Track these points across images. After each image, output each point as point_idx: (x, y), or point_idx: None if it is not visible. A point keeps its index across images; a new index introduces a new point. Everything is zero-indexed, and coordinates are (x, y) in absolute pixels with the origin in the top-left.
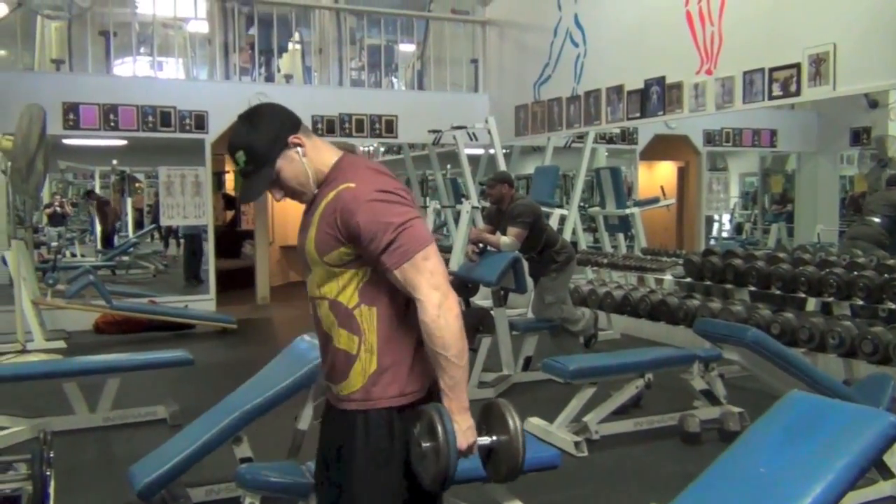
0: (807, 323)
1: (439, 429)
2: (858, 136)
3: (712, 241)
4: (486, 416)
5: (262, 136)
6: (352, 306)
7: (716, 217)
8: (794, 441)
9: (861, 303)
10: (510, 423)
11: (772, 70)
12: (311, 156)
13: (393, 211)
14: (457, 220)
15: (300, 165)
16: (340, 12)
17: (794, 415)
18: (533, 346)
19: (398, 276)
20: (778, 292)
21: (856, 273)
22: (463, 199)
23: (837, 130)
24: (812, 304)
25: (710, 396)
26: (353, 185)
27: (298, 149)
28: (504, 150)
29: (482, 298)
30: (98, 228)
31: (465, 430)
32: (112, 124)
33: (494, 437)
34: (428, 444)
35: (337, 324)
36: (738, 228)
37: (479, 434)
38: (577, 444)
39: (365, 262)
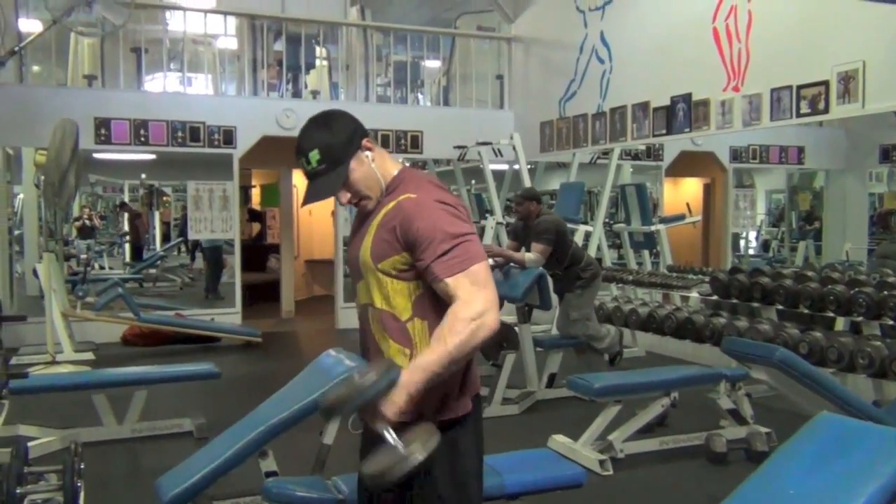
0: (836, 342)
1: (375, 374)
2: (888, 154)
3: (736, 259)
4: (415, 428)
5: (338, 135)
6: (404, 319)
7: (741, 234)
8: (824, 463)
9: (891, 322)
10: (416, 448)
11: (800, 87)
12: (378, 162)
13: (453, 222)
14: (481, 236)
15: (370, 170)
16: (367, 29)
17: (824, 436)
18: (557, 362)
19: (449, 285)
20: (806, 311)
21: (886, 292)
22: (487, 215)
23: (866, 148)
24: (841, 323)
25: (736, 416)
26: (414, 195)
27: (368, 153)
28: (529, 166)
29: (506, 314)
30: (127, 241)
31: (393, 402)
32: (142, 139)
33: (400, 445)
34: (356, 374)
35: (387, 336)
36: (764, 246)
37: (395, 430)
38: (601, 462)
39: (418, 273)
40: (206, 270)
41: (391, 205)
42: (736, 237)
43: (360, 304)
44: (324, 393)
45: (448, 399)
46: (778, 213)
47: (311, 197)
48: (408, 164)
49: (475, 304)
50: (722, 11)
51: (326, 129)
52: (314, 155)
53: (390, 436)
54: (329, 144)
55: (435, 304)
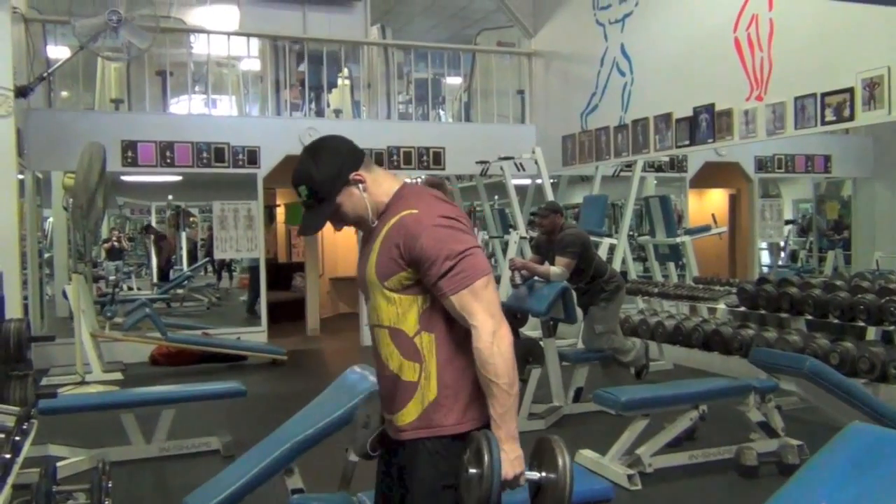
0: (867, 352)
1: (486, 456)
2: None
3: (765, 269)
4: (538, 451)
5: (324, 172)
6: (412, 334)
7: (764, 245)
8: (857, 475)
9: None
10: (560, 460)
11: (824, 95)
12: (372, 190)
13: (455, 238)
14: (505, 251)
15: (361, 200)
16: (388, 48)
17: (857, 447)
18: (584, 376)
19: (454, 302)
20: (836, 321)
21: None
22: (511, 230)
23: (894, 155)
24: (872, 333)
25: (767, 429)
26: (415, 210)
27: (359, 185)
28: (552, 180)
29: (531, 329)
30: (154, 262)
31: (512, 460)
32: (168, 161)
33: (543, 474)
34: (474, 471)
35: (399, 353)
36: (792, 256)
37: (530, 468)
38: (630, 477)
39: (424, 288)
40: (249, 289)
41: (393, 221)
42: (776, 247)
43: (370, 324)
44: (354, 442)
45: (460, 410)
46: (805, 223)
47: (303, 229)
48: (449, 185)
49: (486, 325)
50: (743, 21)
51: (314, 165)
52: (303, 190)
53: (534, 476)
54: (315, 181)
55: (442, 316)
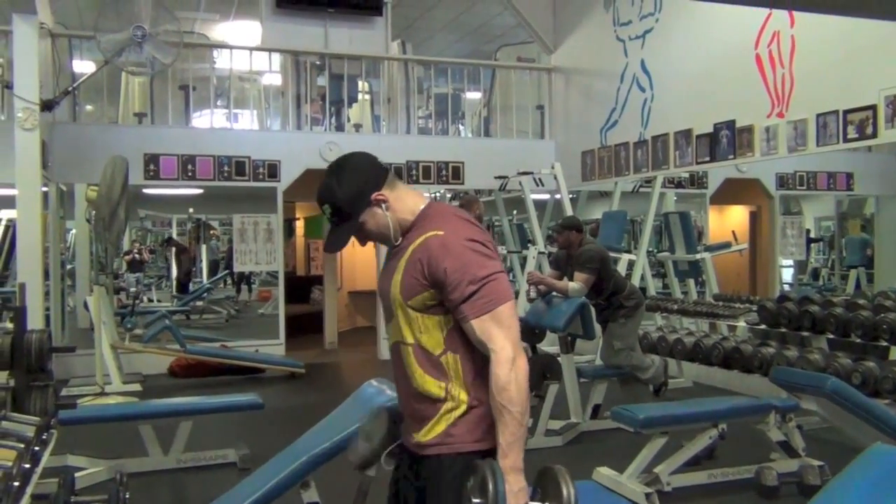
0: (890, 372)
1: (490, 487)
2: None
3: (786, 287)
4: (542, 480)
5: (347, 192)
6: (437, 353)
7: (785, 262)
8: (879, 497)
9: None
10: (565, 491)
11: (846, 112)
12: (396, 207)
13: (480, 262)
14: (523, 266)
15: (384, 219)
16: (408, 63)
17: (879, 469)
18: (602, 393)
19: (475, 327)
20: (858, 340)
21: None
22: (529, 245)
23: None
24: (895, 352)
25: (787, 448)
26: (441, 232)
27: (382, 205)
28: (571, 196)
29: (549, 345)
30: (174, 274)
31: (516, 492)
32: (190, 174)
33: None
34: (478, 501)
35: (422, 370)
36: (814, 274)
37: (533, 498)
38: (648, 495)
39: (448, 309)
40: None
41: (418, 241)
42: (804, 265)
43: (392, 340)
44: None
45: (483, 428)
46: (824, 243)
47: (327, 246)
48: (449, 195)
49: (505, 351)
50: (764, 37)
51: (337, 185)
52: (326, 209)
53: None
54: (338, 200)
55: (466, 337)
